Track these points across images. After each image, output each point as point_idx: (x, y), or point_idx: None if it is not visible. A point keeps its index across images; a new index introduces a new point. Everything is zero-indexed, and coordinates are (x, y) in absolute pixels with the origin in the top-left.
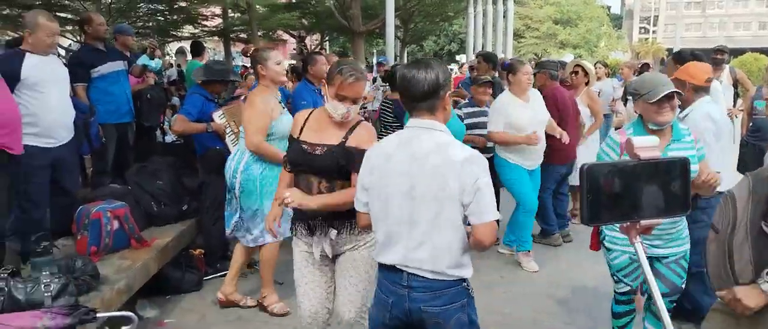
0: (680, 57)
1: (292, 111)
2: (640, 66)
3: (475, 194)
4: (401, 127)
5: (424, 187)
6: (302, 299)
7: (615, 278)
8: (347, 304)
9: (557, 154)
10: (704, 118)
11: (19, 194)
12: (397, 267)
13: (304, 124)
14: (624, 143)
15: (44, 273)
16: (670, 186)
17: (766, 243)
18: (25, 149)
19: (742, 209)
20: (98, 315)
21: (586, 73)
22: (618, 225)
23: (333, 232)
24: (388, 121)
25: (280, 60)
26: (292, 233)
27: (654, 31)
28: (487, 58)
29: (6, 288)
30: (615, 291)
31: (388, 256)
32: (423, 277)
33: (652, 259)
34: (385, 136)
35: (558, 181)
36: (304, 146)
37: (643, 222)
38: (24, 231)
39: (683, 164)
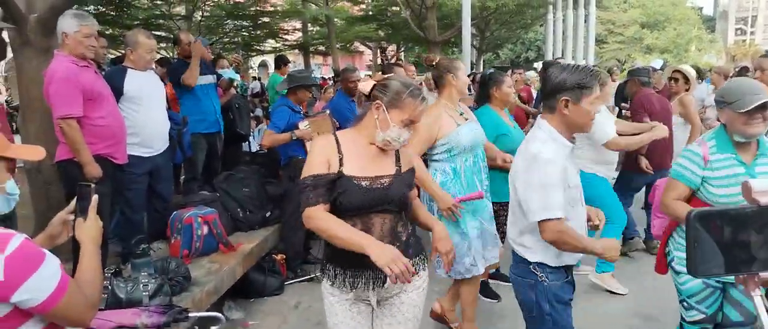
0: None
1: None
2: (737, 70)
3: None
4: None
5: None
6: None
7: (685, 304)
8: None
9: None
10: None
11: (121, 200)
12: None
13: (341, 156)
14: (705, 154)
15: (143, 273)
16: None
17: None
18: (128, 158)
19: None
20: (190, 314)
21: (687, 80)
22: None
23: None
24: None
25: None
26: (322, 275)
27: (752, 32)
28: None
29: (110, 287)
30: (683, 319)
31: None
32: None
33: (724, 284)
34: None
35: (638, 189)
36: (362, 182)
37: (763, 275)
38: (124, 234)
39: None
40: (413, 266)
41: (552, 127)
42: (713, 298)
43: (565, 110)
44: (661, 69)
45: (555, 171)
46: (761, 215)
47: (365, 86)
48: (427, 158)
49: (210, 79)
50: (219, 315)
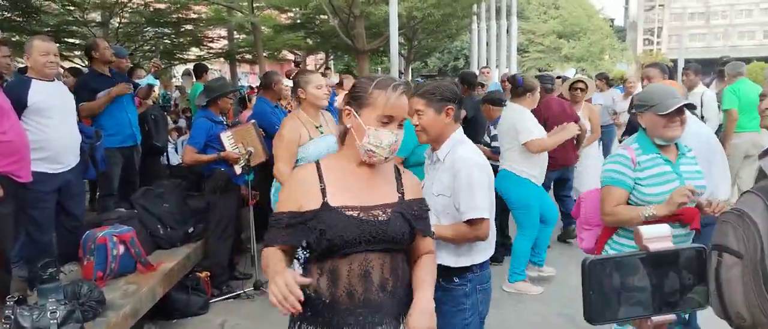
0: (665, 70)
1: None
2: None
3: None
4: None
5: None
6: None
7: None
8: None
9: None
10: (694, 134)
11: (26, 220)
12: None
13: (323, 182)
14: (633, 156)
15: (50, 300)
16: (685, 278)
17: None
18: (33, 174)
19: (765, 229)
20: None
21: (586, 88)
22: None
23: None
24: None
25: (321, 84)
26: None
27: (658, 43)
28: (463, 79)
29: (13, 317)
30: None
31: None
32: None
33: None
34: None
35: (548, 186)
36: (353, 212)
37: (655, 319)
38: (30, 257)
39: (699, 254)
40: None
41: (456, 133)
42: None
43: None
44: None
45: (488, 176)
46: (651, 261)
47: (340, 101)
48: None
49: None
50: None
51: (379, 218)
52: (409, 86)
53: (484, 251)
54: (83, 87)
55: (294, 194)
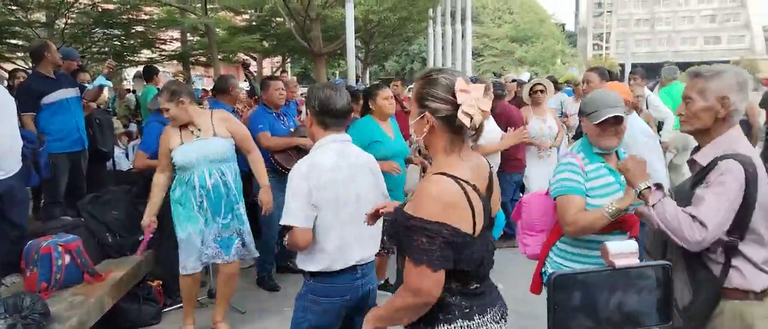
0: (605, 75)
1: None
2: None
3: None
4: None
5: (367, 188)
6: None
7: None
8: None
9: (511, 163)
10: (642, 132)
11: None
12: (356, 264)
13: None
14: (581, 164)
15: None
16: (650, 294)
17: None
18: None
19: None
20: None
21: (546, 90)
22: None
23: None
24: None
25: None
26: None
27: (607, 48)
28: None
29: None
30: None
31: (348, 259)
32: (370, 263)
33: None
34: None
35: (514, 189)
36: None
37: None
38: None
39: (665, 270)
40: None
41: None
42: None
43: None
44: (529, 81)
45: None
46: (616, 277)
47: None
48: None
49: (72, 92)
50: None
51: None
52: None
53: (315, 261)
54: (27, 91)
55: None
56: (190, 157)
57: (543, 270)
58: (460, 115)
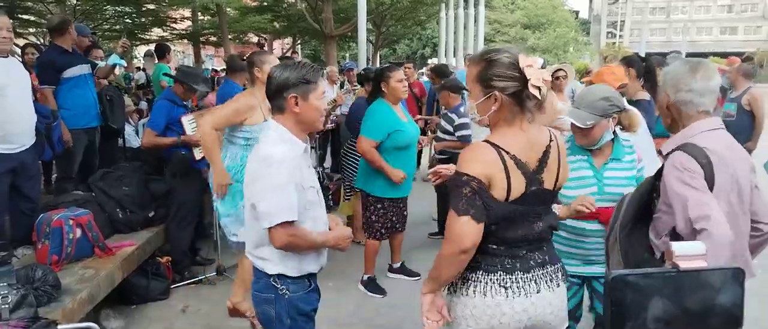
0: (629, 62)
1: None
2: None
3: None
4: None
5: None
6: None
7: None
8: None
9: None
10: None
11: None
12: None
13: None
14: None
15: (2, 284)
16: (716, 299)
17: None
18: None
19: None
20: (59, 326)
21: (567, 75)
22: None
23: None
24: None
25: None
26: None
27: (621, 36)
28: (437, 72)
29: None
30: None
31: None
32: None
33: (590, 279)
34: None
35: None
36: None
37: None
38: None
39: (736, 274)
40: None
41: (284, 127)
42: (570, 293)
43: (295, 107)
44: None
45: (287, 172)
46: (680, 280)
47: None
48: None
49: (86, 68)
50: (93, 325)
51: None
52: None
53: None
54: (50, 64)
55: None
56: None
57: None
58: (531, 88)
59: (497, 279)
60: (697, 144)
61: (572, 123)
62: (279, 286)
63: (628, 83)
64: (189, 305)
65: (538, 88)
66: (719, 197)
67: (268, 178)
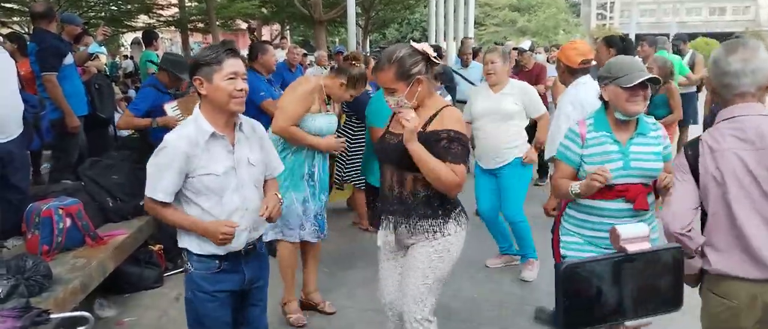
0: (611, 42)
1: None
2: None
3: None
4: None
5: None
6: (381, 287)
7: None
8: (411, 303)
9: None
10: (569, 99)
11: None
12: None
13: (393, 115)
14: (583, 132)
15: None
16: (660, 280)
17: None
18: None
19: None
20: (52, 316)
21: None
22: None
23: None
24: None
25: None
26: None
27: (611, 17)
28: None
29: None
30: None
31: None
32: None
33: None
34: (349, 122)
35: None
36: (386, 135)
37: (628, 324)
38: None
39: (675, 254)
40: (413, 229)
41: (199, 111)
42: None
43: (201, 88)
44: (530, 50)
45: (167, 156)
46: (627, 263)
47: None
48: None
49: (71, 57)
50: (86, 314)
51: (391, 142)
52: (390, 60)
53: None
54: (55, 51)
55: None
56: (323, 129)
57: (559, 239)
58: (432, 58)
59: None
60: (703, 135)
61: (636, 86)
62: (186, 259)
63: (591, 58)
64: (182, 292)
65: (434, 54)
66: (707, 188)
67: (154, 156)
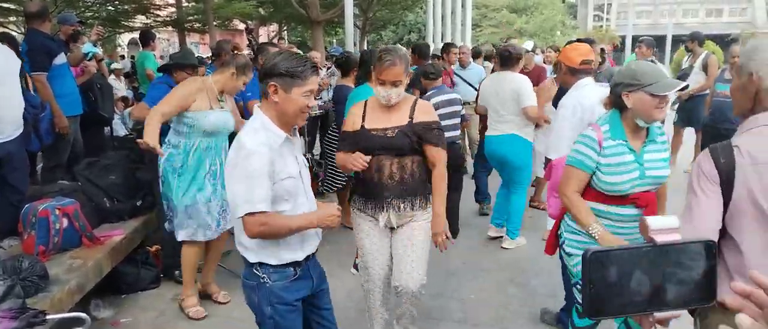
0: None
1: (245, 106)
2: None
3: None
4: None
5: None
6: (371, 262)
7: (578, 287)
8: (409, 276)
9: None
10: (574, 100)
11: None
12: None
13: (365, 114)
14: (600, 139)
15: None
16: (692, 272)
17: None
18: None
19: None
20: (48, 316)
21: None
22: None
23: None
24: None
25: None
26: (353, 205)
27: (608, 19)
28: (418, 52)
29: None
30: (577, 301)
31: None
32: None
33: None
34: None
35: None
36: (373, 132)
37: (658, 315)
38: None
39: (708, 247)
40: (414, 204)
41: (265, 114)
42: None
43: (274, 96)
44: (532, 50)
45: (257, 163)
46: (656, 254)
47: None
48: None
49: (64, 57)
50: (82, 315)
51: (388, 135)
52: (401, 58)
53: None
54: (46, 50)
55: (349, 120)
56: (218, 125)
57: (558, 232)
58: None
59: None
60: (735, 141)
61: (653, 95)
62: (260, 274)
63: (591, 59)
64: (179, 293)
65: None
66: (740, 207)
67: (240, 168)
